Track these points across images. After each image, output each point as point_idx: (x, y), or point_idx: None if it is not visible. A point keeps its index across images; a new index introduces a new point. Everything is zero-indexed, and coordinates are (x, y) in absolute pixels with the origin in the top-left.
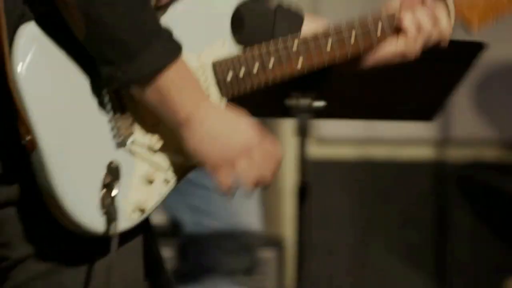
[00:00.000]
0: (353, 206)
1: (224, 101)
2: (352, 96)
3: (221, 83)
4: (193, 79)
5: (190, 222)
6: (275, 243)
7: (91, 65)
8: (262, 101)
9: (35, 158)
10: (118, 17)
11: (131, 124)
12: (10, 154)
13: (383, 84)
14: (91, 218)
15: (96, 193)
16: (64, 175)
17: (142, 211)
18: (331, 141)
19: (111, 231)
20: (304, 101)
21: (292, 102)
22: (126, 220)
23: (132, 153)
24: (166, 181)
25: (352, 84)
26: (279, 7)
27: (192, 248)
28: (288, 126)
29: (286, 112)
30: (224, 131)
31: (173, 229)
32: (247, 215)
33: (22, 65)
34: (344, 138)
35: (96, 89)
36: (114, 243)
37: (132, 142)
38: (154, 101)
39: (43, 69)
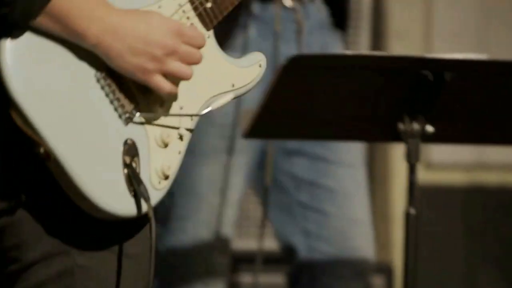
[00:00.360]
0: (463, 233)
1: (211, 32)
2: (462, 120)
3: (203, 15)
4: None
5: (304, 247)
6: (385, 269)
7: (77, 56)
8: (372, 125)
9: (52, 165)
10: None
11: (133, 97)
12: (21, 161)
13: (494, 108)
14: (124, 203)
15: (121, 177)
16: (85, 173)
17: (167, 177)
18: (441, 166)
19: (147, 209)
20: (414, 126)
21: (402, 126)
22: (157, 191)
23: (142, 124)
24: (181, 137)
25: (462, 108)
26: None
27: (305, 273)
28: (397, 150)
29: (396, 137)
30: (141, 37)
31: (286, 255)
32: (361, 239)
33: (17, 86)
34: (454, 163)
35: (89, 77)
36: (152, 223)
37: (139, 113)
38: (60, 32)
39: (36, 78)
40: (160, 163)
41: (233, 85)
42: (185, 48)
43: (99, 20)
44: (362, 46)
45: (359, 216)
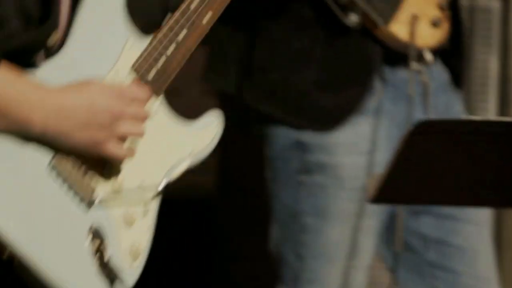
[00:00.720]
0: None
1: (159, 99)
2: None
3: (148, 84)
4: (24, 84)
5: None
6: None
7: (25, 150)
8: (498, 191)
9: (18, 266)
10: None
11: (89, 181)
12: None
13: None
14: None
15: (92, 265)
16: (55, 267)
17: (139, 254)
18: None
19: None
20: None
21: None
22: (132, 271)
23: (103, 206)
24: (145, 213)
25: None
26: None
27: None
28: None
29: None
30: (85, 110)
31: None
32: None
33: None
34: None
35: (41, 168)
36: None
37: (98, 196)
38: (3, 127)
39: None
40: (130, 242)
41: (192, 150)
42: (131, 109)
43: (39, 105)
44: (489, 111)
45: (488, 274)
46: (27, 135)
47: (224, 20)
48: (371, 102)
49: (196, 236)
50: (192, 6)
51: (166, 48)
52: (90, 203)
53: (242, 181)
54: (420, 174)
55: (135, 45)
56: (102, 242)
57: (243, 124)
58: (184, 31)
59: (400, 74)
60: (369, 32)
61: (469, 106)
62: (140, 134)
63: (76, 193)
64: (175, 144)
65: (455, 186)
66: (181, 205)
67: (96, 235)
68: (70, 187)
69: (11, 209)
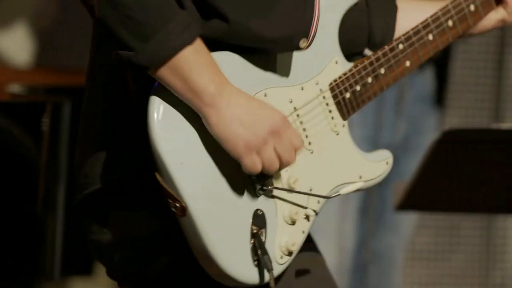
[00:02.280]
0: None
1: (346, 122)
2: None
3: (341, 104)
4: (213, 63)
5: None
6: None
7: None
8: None
9: (185, 222)
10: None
11: None
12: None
13: None
14: (248, 271)
15: (247, 245)
16: (215, 234)
17: (290, 253)
18: None
19: (268, 280)
20: None
21: None
22: (277, 265)
23: (272, 197)
24: (307, 217)
25: None
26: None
27: None
28: None
29: None
30: (252, 110)
31: None
32: None
33: (159, 129)
34: None
35: None
36: None
37: (272, 185)
38: (176, 85)
39: (178, 129)
40: (285, 239)
41: (360, 177)
42: (286, 144)
43: (218, 84)
44: None
45: None
46: (196, 103)
47: None
48: None
49: None
50: (392, 52)
51: (363, 78)
52: (261, 190)
53: None
54: (445, 182)
55: (339, 65)
56: (261, 228)
57: None
58: (382, 70)
59: None
60: None
61: (498, 115)
62: (273, 169)
63: (252, 177)
64: (347, 166)
65: (480, 193)
66: None
67: (258, 220)
68: None
69: (193, 167)
